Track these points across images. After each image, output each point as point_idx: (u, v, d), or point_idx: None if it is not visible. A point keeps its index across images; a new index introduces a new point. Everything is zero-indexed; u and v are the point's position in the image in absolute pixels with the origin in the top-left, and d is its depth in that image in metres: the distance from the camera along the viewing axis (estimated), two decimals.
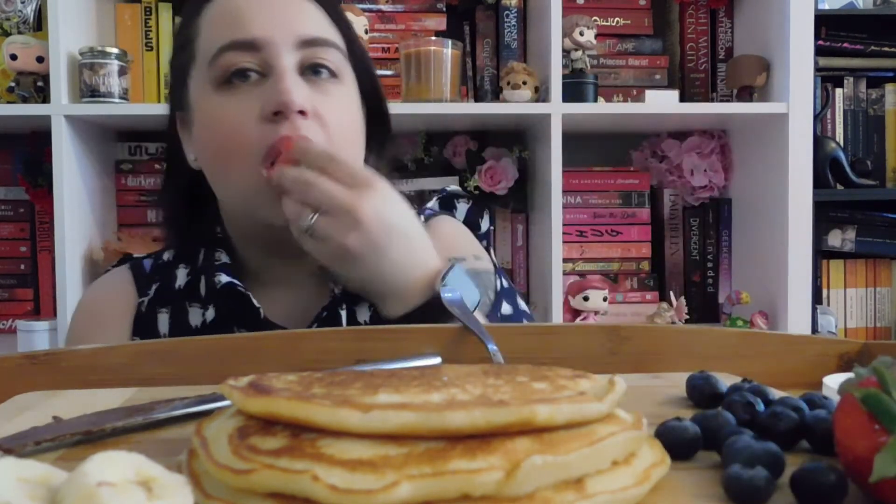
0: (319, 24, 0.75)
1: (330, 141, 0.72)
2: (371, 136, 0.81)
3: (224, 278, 0.75)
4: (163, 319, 0.80)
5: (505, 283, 0.83)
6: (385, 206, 0.66)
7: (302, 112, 0.70)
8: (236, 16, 0.72)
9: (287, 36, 0.71)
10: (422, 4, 1.76)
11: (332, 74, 0.74)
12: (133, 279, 0.84)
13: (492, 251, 0.89)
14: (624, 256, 1.82)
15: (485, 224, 0.91)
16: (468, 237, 0.88)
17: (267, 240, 0.76)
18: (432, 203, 0.91)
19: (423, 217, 0.87)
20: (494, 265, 0.85)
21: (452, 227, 0.87)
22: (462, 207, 0.91)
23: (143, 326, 0.81)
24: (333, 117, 0.73)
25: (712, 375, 0.47)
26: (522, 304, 0.83)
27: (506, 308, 0.81)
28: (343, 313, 0.75)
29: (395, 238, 0.66)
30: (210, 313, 0.77)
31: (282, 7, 0.73)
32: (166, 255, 0.85)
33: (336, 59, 0.75)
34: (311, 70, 0.73)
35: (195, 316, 0.79)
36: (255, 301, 0.75)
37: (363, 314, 0.76)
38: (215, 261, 0.78)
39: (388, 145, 0.86)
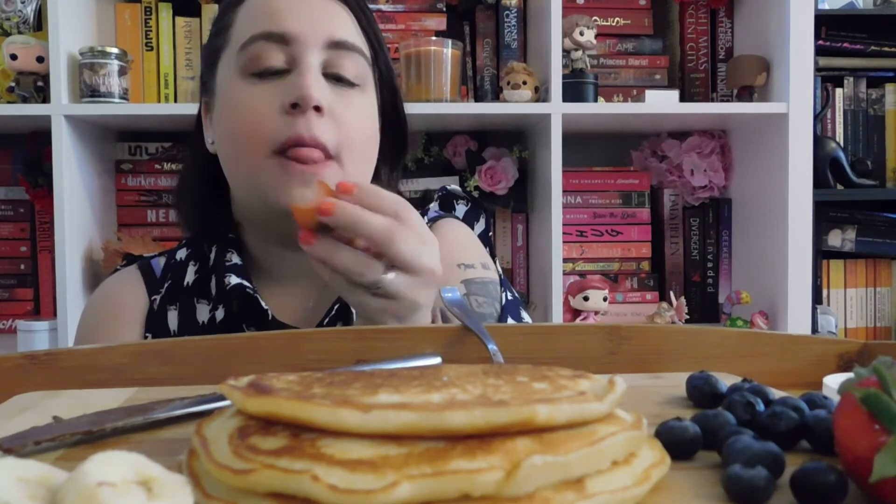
0: (349, 30, 0.77)
1: (342, 142, 0.73)
2: (386, 147, 0.83)
3: (234, 279, 0.76)
4: (172, 316, 0.81)
5: (510, 295, 0.83)
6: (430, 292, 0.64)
7: (318, 109, 0.71)
8: (272, 9, 0.75)
9: (317, 35, 0.74)
10: (422, 4, 1.76)
11: (355, 82, 0.76)
12: (142, 278, 0.85)
13: (496, 260, 0.89)
14: (624, 256, 1.82)
15: (478, 227, 0.91)
16: (476, 243, 0.87)
17: (276, 229, 0.77)
18: (433, 204, 0.91)
19: (427, 219, 0.87)
20: (499, 275, 0.85)
21: (460, 232, 0.87)
22: (460, 209, 0.91)
23: (155, 324, 0.82)
24: (349, 120, 0.74)
25: (712, 375, 0.46)
26: (526, 317, 0.83)
27: (509, 322, 0.81)
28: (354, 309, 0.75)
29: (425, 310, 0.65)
30: (220, 313, 0.78)
31: (316, 8, 0.76)
32: (179, 255, 0.85)
33: (360, 66, 0.77)
34: (334, 75, 0.75)
35: (202, 312, 0.80)
36: (263, 303, 0.76)
37: None
38: (226, 261, 0.79)
39: (402, 157, 0.87)
